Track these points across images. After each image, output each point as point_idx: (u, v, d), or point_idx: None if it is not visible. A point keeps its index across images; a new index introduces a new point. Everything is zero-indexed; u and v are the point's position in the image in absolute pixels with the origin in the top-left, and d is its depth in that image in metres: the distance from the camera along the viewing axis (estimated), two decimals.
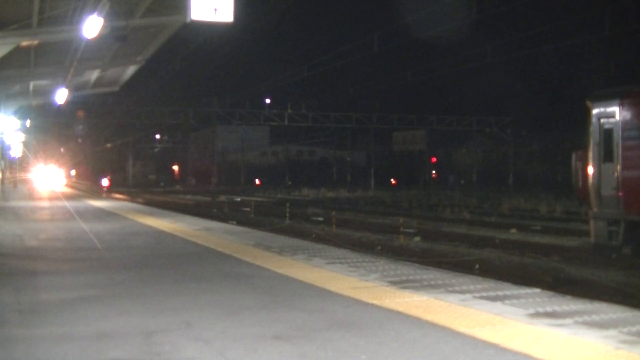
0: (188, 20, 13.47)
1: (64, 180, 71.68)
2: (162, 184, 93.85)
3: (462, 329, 5.73)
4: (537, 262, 14.44)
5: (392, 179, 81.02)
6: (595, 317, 6.17)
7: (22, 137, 44.95)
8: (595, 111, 14.55)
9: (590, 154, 14.59)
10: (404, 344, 5.32)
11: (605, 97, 14.49)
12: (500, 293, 7.43)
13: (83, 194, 48.83)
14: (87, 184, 69.38)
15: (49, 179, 64.31)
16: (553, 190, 47.52)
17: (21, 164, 54.93)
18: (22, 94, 32.32)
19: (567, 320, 6.03)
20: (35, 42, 19.07)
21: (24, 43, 18.61)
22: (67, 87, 27.30)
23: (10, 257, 10.99)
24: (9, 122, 34.03)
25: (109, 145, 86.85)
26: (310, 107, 62.46)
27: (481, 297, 7.15)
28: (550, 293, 7.78)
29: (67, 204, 30.62)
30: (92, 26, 15.69)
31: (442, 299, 7.04)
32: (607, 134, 14.22)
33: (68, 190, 54.36)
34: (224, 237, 14.44)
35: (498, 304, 6.78)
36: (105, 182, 63.23)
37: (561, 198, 38.19)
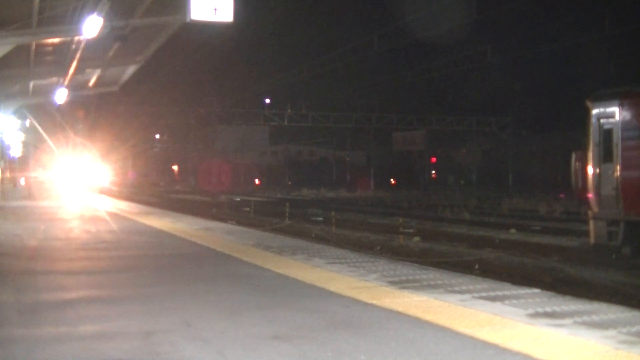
0: (188, 20, 13.48)
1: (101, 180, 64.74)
2: (161, 183, 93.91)
3: (461, 329, 5.73)
4: (537, 262, 14.43)
5: (391, 179, 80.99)
6: (594, 318, 6.17)
7: (22, 136, 44.86)
8: (595, 111, 14.56)
9: (590, 155, 14.60)
10: (404, 344, 5.32)
11: (605, 98, 14.50)
12: (499, 293, 7.43)
13: (82, 193, 48.79)
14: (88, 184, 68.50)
15: (71, 179, 59.56)
16: (553, 191, 47.51)
17: (21, 164, 54.69)
18: (22, 93, 32.30)
19: (567, 321, 6.03)
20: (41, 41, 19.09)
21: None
22: (67, 86, 27.31)
23: (8, 257, 10.98)
24: (8, 122, 34.02)
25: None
26: (310, 107, 62.41)
27: (481, 297, 7.15)
28: (550, 293, 7.78)
29: (66, 203, 30.61)
30: (92, 26, 15.70)
31: (442, 299, 7.04)
32: (606, 135, 14.23)
33: (69, 189, 54.22)
34: (224, 236, 14.43)
35: (498, 304, 6.78)
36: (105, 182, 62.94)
37: (561, 198, 38.18)
